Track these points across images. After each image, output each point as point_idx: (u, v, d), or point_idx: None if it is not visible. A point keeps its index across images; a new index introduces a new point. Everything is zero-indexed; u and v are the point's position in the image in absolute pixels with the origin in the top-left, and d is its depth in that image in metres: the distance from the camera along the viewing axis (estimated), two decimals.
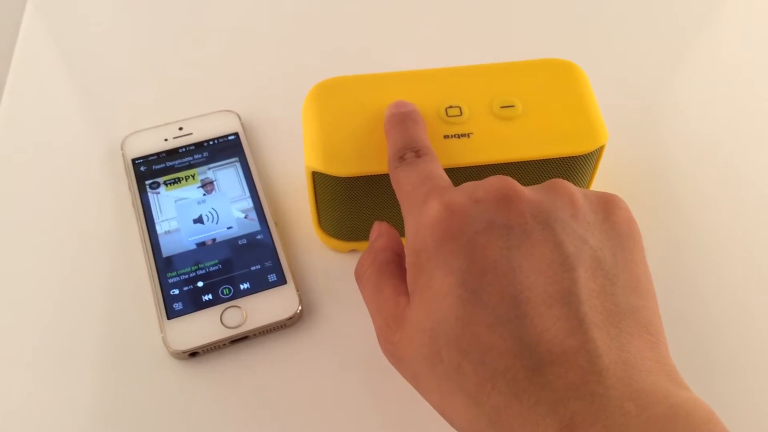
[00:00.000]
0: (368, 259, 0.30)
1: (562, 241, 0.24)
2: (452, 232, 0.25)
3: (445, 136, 0.34)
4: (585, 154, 0.34)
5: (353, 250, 0.40)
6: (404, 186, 0.29)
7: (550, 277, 0.23)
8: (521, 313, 0.23)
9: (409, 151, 0.30)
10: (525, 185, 0.35)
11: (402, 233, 0.38)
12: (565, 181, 0.27)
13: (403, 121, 0.32)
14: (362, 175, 0.34)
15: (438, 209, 0.25)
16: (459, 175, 0.34)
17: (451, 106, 0.35)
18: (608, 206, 0.26)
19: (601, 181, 0.42)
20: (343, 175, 0.33)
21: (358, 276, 0.30)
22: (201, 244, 0.39)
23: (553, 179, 0.27)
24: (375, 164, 0.33)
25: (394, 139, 0.32)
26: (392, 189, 0.34)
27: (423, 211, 0.26)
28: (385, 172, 0.33)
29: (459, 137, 0.34)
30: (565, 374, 0.21)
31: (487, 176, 0.34)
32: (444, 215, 0.25)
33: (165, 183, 0.41)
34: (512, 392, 0.22)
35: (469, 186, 0.27)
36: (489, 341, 0.23)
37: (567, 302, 0.23)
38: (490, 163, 0.34)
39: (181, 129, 0.43)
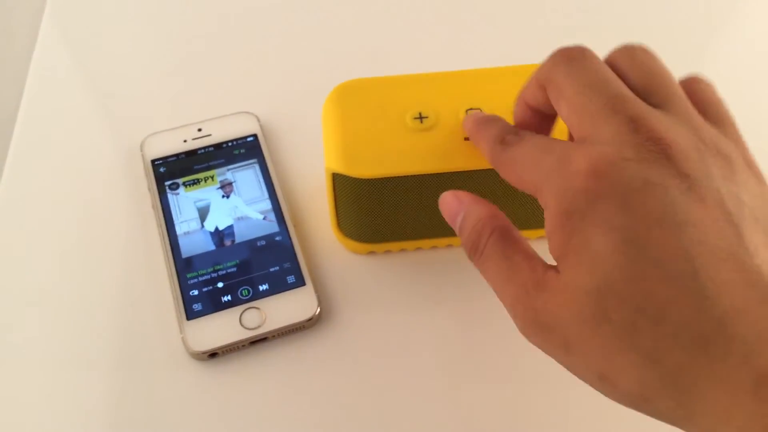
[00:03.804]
0: (484, 227, 0.28)
1: (722, 198, 0.24)
2: (608, 189, 0.24)
3: (466, 138, 0.34)
4: None
5: (372, 252, 0.39)
6: (522, 161, 0.27)
7: (717, 233, 0.23)
8: (696, 266, 0.22)
9: (509, 134, 0.29)
10: None
11: (423, 235, 0.38)
12: (730, 139, 0.26)
13: (489, 118, 0.32)
14: (382, 176, 0.34)
15: (587, 166, 0.24)
16: (480, 177, 0.34)
17: (471, 108, 0.35)
18: (754, 166, 0.26)
19: None
20: (363, 177, 0.33)
21: (475, 246, 0.28)
22: (220, 245, 0.39)
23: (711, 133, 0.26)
24: (395, 166, 0.33)
25: (487, 130, 0.30)
26: (412, 191, 0.34)
27: (567, 171, 0.25)
28: (405, 174, 0.33)
29: None
30: (754, 324, 0.21)
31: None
32: (597, 172, 0.24)
33: (184, 184, 0.41)
34: (698, 345, 0.21)
35: (611, 137, 0.25)
36: (666, 296, 0.22)
37: (738, 256, 0.23)
38: None
39: (200, 130, 0.43)
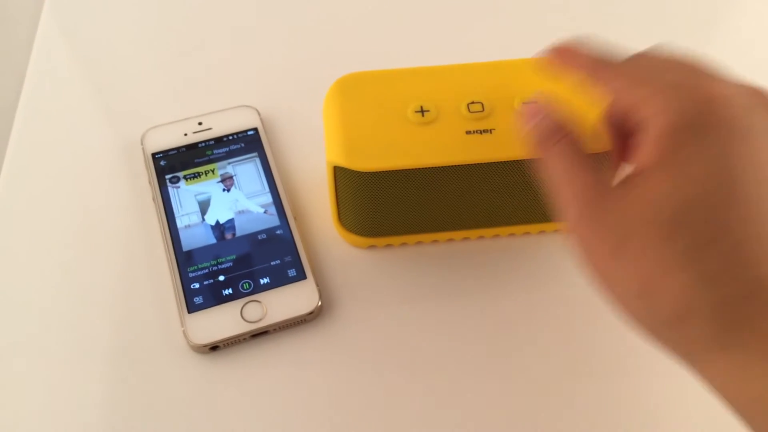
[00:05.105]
0: (567, 124, 0.29)
1: None
2: (733, 121, 0.25)
3: (468, 132, 0.34)
4: (608, 151, 0.34)
5: (372, 246, 0.40)
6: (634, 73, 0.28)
7: None
8: None
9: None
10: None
11: (424, 229, 0.38)
12: None
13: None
14: (384, 170, 0.33)
15: (727, 94, 0.25)
16: (481, 171, 0.34)
17: (473, 102, 0.34)
18: None
19: None
20: (364, 170, 0.33)
21: (551, 134, 0.29)
22: (221, 239, 0.39)
23: None
24: (396, 159, 0.33)
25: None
26: (412, 184, 0.34)
27: (699, 92, 0.25)
28: (406, 167, 0.33)
29: (481, 133, 0.34)
30: None
31: (509, 172, 0.34)
32: (731, 103, 0.25)
33: (185, 177, 0.41)
34: (756, 287, 0.23)
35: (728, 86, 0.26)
36: (742, 235, 0.23)
37: None
38: (513, 159, 0.33)
39: (200, 124, 0.43)
